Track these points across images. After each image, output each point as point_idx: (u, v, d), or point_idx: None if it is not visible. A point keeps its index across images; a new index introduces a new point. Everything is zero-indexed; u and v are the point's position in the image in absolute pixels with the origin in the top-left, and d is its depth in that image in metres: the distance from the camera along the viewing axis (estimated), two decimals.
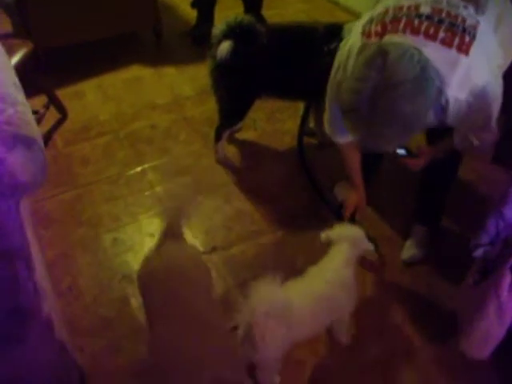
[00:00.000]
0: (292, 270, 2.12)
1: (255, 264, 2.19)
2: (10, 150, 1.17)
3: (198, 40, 3.50)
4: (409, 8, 1.62)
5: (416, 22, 1.58)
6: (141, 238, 2.29)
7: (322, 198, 2.48)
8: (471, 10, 1.61)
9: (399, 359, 1.90)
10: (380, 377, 1.85)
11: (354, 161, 2.08)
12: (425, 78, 1.45)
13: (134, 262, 2.16)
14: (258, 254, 2.23)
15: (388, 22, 1.62)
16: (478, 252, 1.77)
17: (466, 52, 1.55)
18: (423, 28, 1.56)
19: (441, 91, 1.53)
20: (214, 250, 2.24)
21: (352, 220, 2.18)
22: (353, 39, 1.75)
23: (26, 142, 1.21)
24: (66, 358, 1.67)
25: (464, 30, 1.56)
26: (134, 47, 3.59)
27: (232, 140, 2.76)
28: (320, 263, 1.84)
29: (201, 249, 2.23)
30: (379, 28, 1.63)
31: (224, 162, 2.66)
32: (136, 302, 2.02)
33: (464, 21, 1.57)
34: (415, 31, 1.57)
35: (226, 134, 2.61)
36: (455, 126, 1.76)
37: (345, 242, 1.83)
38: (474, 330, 1.76)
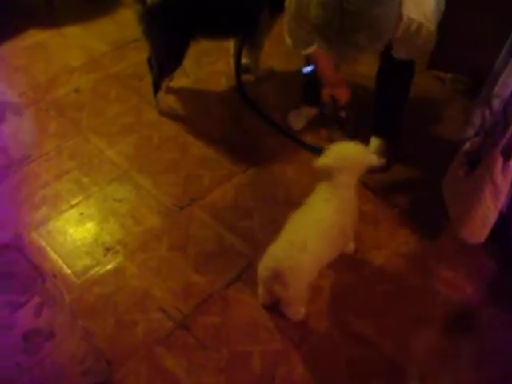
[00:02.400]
0: (275, 202, 2.14)
1: (238, 205, 2.13)
2: None
3: None
4: None
5: None
6: (109, 205, 2.14)
7: (280, 129, 2.45)
8: None
9: (401, 260, 1.98)
10: (389, 283, 1.90)
11: (326, 63, 2.08)
12: None
13: (110, 231, 2.03)
14: (236, 195, 2.17)
15: None
16: (466, 146, 1.84)
17: None
18: None
19: (401, 2, 1.63)
20: (192, 201, 2.14)
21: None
22: None
23: None
24: (91, 346, 1.54)
25: None
26: (23, 11, 3.22)
27: (168, 91, 2.60)
28: (321, 192, 1.78)
29: (178, 204, 2.13)
30: None
31: (168, 113, 2.52)
32: (129, 270, 1.91)
33: None
34: None
35: (165, 84, 2.46)
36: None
37: (345, 168, 1.75)
38: (472, 217, 1.84)
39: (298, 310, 1.76)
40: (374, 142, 2.29)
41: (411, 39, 1.77)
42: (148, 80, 2.58)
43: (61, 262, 1.95)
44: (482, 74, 1.87)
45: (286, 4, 1.88)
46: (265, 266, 1.64)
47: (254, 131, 2.46)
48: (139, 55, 2.78)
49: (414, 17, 1.70)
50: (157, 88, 2.47)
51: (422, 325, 1.79)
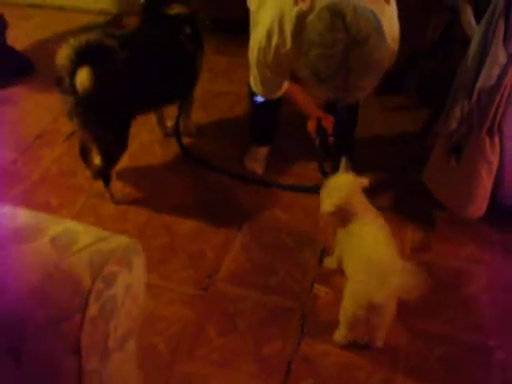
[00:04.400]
0: (288, 247, 2.13)
1: (256, 265, 2.09)
2: None
3: None
4: None
5: None
6: None
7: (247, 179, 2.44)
8: None
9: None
10: None
11: (296, 95, 2.16)
12: (380, 24, 1.58)
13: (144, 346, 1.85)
14: (247, 256, 2.12)
15: None
16: (454, 138, 2.04)
17: (388, 1, 1.71)
18: None
19: None
20: (211, 278, 2.04)
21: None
22: (276, 4, 1.78)
23: None
24: None
25: None
26: None
27: None
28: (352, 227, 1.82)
29: (199, 286, 2.01)
30: None
31: (125, 199, 2.35)
32: (197, 375, 1.76)
33: None
34: None
35: (113, 172, 2.30)
36: None
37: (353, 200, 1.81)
38: (473, 195, 2.05)
39: (384, 334, 1.79)
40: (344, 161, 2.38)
41: None
42: (83, 174, 2.39)
43: None
44: None
45: (255, 56, 1.87)
46: (360, 304, 1.64)
47: (222, 188, 2.41)
48: (52, 152, 2.56)
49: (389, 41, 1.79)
50: (107, 179, 2.28)
51: None
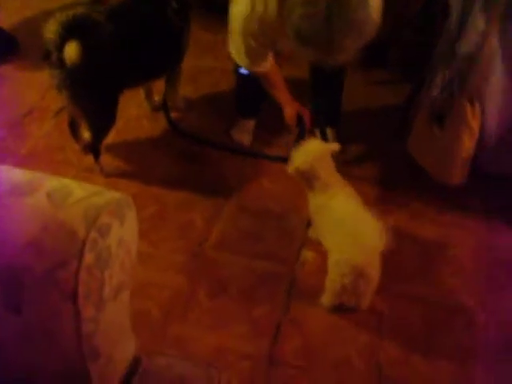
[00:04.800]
0: (275, 216, 2.18)
1: (245, 232, 2.15)
2: None
3: None
4: None
5: None
6: None
7: (235, 150, 2.48)
8: None
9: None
10: None
11: (279, 81, 2.14)
12: None
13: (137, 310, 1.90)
14: (236, 224, 2.18)
15: None
16: (436, 106, 2.09)
17: None
18: None
19: None
20: (201, 246, 2.09)
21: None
22: None
23: None
24: None
25: None
26: None
27: None
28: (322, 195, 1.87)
29: (190, 254, 2.05)
30: None
31: (115, 172, 2.38)
32: (189, 336, 1.81)
33: None
34: None
35: (102, 146, 2.33)
36: None
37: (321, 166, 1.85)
38: (456, 161, 2.11)
39: (369, 298, 1.85)
40: (330, 132, 2.43)
41: None
42: (72, 148, 2.42)
43: None
44: None
45: (240, 25, 1.89)
46: (347, 271, 1.70)
47: (210, 160, 2.45)
48: (41, 128, 2.59)
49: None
50: (97, 152, 2.31)
51: None
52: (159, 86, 2.62)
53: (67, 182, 1.08)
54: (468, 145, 2.06)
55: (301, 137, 2.18)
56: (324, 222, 1.86)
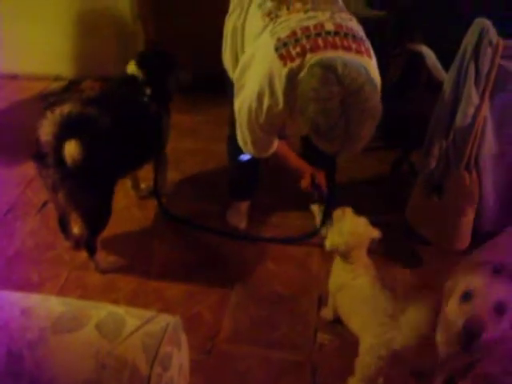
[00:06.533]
0: (284, 300, 2.12)
1: (257, 322, 2.07)
2: None
3: None
4: (315, 27, 1.74)
5: (330, 38, 1.72)
6: None
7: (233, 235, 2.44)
8: (354, 20, 1.84)
9: None
10: None
11: (285, 151, 2.13)
12: (369, 74, 1.63)
13: None
14: (245, 313, 2.10)
15: (305, 43, 1.72)
16: (435, 176, 2.12)
17: (370, 56, 1.78)
18: (338, 42, 1.72)
19: None
20: (213, 340, 2.00)
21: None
22: (263, 65, 1.78)
23: None
24: None
25: (361, 39, 1.78)
26: None
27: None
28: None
29: (203, 350, 1.96)
30: (299, 49, 1.71)
31: (111, 268, 2.29)
32: None
33: (357, 31, 1.79)
34: (334, 46, 1.71)
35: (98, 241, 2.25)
36: None
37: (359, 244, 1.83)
38: (459, 227, 2.13)
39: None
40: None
41: None
42: (62, 245, 2.34)
43: None
44: None
45: (246, 118, 1.87)
46: (381, 355, 1.64)
47: (207, 246, 2.39)
48: (25, 225, 2.50)
49: None
50: (93, 248, 2.23)
51: None
52: (143, 173, 2.58)
53: (113, 308, 1.01)
54: (469, 210, 2.08)
55: (319, 200, 2.26)
56: (347, 304, 1.82)
